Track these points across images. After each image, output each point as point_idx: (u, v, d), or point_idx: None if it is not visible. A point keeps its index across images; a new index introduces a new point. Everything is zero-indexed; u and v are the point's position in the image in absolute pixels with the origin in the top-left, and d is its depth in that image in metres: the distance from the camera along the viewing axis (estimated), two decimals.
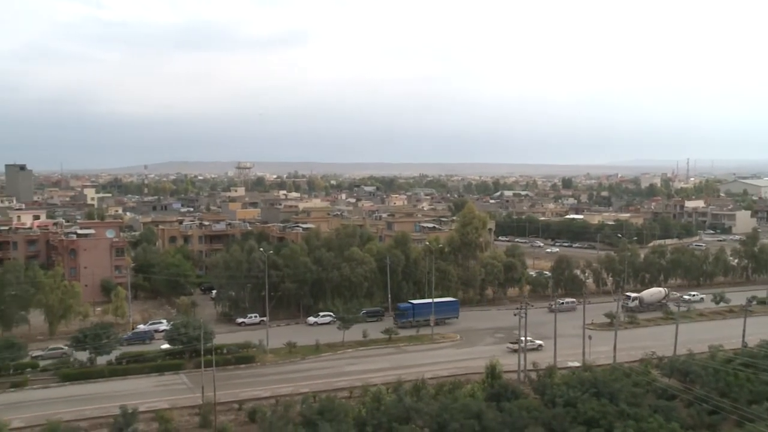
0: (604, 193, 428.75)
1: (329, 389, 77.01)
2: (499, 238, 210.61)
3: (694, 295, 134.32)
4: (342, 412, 61.02)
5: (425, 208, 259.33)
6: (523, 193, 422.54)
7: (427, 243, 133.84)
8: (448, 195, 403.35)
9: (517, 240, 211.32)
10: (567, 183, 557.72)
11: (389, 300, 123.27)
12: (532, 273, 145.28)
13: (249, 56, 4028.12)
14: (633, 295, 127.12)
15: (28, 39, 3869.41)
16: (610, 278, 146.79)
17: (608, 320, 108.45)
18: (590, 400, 63.02)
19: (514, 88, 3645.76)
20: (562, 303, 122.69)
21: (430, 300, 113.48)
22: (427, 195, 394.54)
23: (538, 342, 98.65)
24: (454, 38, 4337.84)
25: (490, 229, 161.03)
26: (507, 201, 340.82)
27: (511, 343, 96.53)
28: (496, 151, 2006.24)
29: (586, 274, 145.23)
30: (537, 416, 60.61)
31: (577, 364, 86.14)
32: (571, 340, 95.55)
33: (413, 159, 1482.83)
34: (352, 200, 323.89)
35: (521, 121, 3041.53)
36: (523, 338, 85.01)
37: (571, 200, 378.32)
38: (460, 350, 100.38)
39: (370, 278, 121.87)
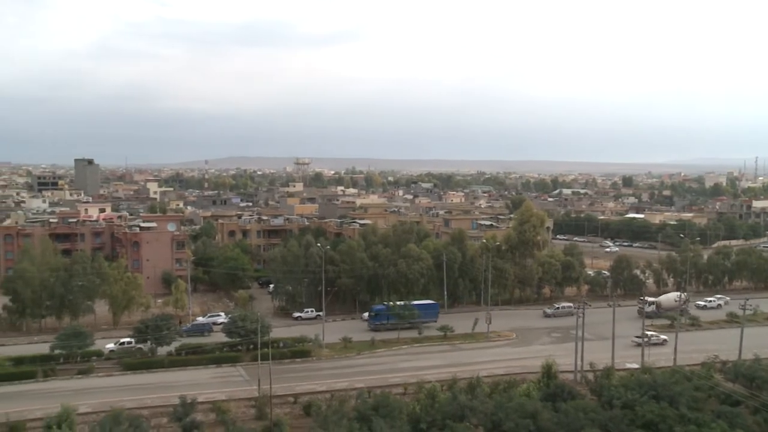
0: (666, 192, 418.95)
1: (384, 385, 77.20)
2: (557, 236, 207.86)
3: (710, 301, 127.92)
4: (396, 409, 61.01)
5: (482, 206, 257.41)
6: (582, 191, 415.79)
7: (484, 240, 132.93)
8: (506, 193, 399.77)
9: (575, 239, 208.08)
10: (627, 181, 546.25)
11: (445, 297, 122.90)
12: (591, 272, 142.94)
13: (308, 52, 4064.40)
14: (650, 299, 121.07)
15: (96, 38, 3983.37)
16: (672, 279, 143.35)
17: (668, 322, 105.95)
18: (649, 403, 61.58)
19: (575, 85, 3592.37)
20: (558, 308, 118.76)
21: (408, 302, 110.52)
22: (484, 192, 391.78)
23: (663, 337, 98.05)
24: (513, 35, 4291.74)
25: (547, 228, 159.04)
26: (565, 199, 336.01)
27: (636, 336, 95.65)
28: (555, 148, 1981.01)
29: (646, 275, 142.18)
30: (594, 418, 59.53)
31: (635, 365, 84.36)
32: (629, 341, 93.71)
33: (471, 156, 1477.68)
34: (410, 197, 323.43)
35: (581, 119, 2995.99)
36: (648, 333, 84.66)
37: (632, 199, 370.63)
38: (515, 349, 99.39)
39: (426, 275, 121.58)
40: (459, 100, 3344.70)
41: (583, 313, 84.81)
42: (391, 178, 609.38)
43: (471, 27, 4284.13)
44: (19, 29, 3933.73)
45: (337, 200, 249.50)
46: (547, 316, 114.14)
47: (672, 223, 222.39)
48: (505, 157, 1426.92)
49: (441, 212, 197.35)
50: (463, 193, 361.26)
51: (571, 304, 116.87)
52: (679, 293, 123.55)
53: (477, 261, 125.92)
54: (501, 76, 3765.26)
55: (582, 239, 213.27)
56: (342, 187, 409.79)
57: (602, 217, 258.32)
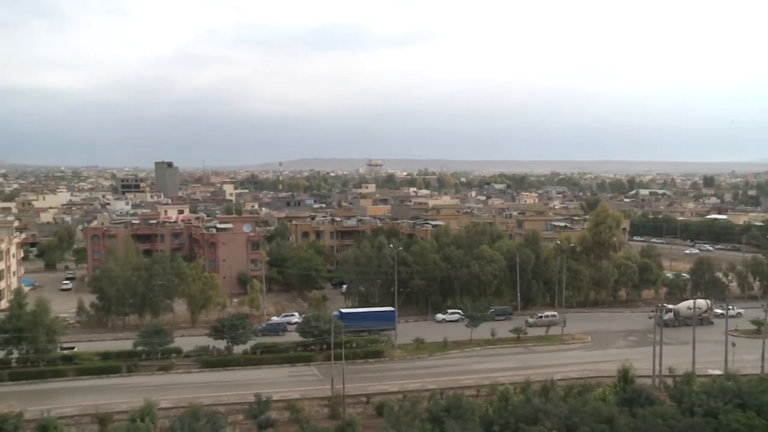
0: (752, 192, 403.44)
1: (456, 387, 76.82)
2: (634, 238, 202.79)
3: (731, 308, 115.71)
4: (469, 410, 60.67)
5: (557, 207, 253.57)
6: (660, 191, 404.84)
7: (558, 242, 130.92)
8: (581, 193, 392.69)
9: (653, 240, 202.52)
10: (709, 181, 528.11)
11: (518, 299, 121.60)
12: (669, 275, 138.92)
13: (383, 54, 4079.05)
14: (669, 306, 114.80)
15: (176, 45, 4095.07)
16: (757, 282, 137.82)
17: (755, 327, 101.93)
18: (734, 412, 59.11)
19: (654, 82, 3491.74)
20: (541, 317, 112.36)
21: (363, 309, 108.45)
22: (558, 193, 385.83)
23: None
24: (587, 34, 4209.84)
25: (624, 229, 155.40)
26: (643, 200, 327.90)
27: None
28: (632, 148, 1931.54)
29: (729, 278, 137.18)
30: (673, 425, 57.66)
31: (718, 372, 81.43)
32: (711, 346, 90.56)
33: (545, 157, 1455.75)
34: (482, 198, 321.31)
35: (660, 117, 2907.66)
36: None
37: (713, 199, 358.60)
38: (590, 352, 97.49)
39: (500, 276, 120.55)
40: (533, 99, 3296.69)
41: (661, 317, 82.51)
42: (463, 179, 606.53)
43: (546, 25, 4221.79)
44: (107, 39, 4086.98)
45: (410, 201, 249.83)
46: (529, 325, 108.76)
47: (758, 224, 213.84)
48: (579, 158, 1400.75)
49: (514, 213, 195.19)
50: (536, 194, 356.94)
51: (555, 313, 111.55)
52: (701, 301, 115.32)
53: (551, 262, 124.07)
54: (576, 74, 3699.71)
55: (660, 241, 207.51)
56: (414, 189, 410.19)
57: (681, 218, 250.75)
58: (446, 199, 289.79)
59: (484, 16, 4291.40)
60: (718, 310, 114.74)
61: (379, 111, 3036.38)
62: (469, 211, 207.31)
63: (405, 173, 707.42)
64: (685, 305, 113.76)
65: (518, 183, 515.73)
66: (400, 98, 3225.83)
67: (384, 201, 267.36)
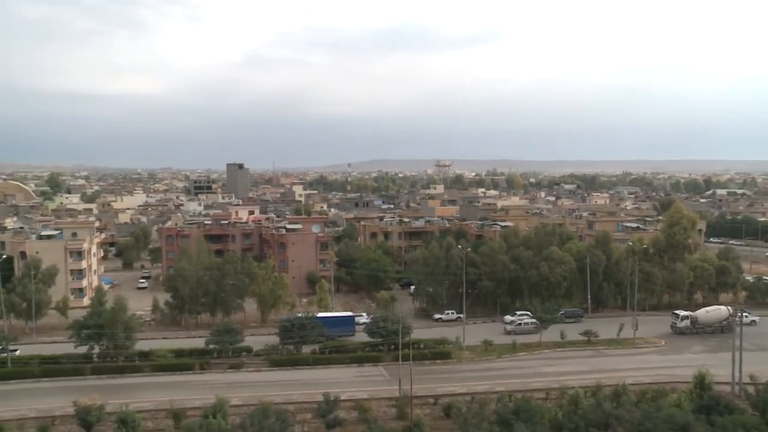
0: None
1: (525, 389, 76.07)
2: (711, 240, 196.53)
3: (746, 315, 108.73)
4: (538, 413, 59.98)
5: (628, 207, 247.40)
6: (739, 191, 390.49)
7: (630, 243, 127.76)
8: (654, 193, 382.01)
9: (731, 242, 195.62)
10: None
11: (589, 301, 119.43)
12: (749, 278, 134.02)
13: (450, 55, 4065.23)
14: (683, 313, 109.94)
15: (248, 49, 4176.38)
16: None
17: None
18: None
19: (729, 79, 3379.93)
20: (519, 324, 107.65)
21: (323, 315, 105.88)
22: (630, 193, 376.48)
23: None
24: (658, 30, 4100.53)
25: (699, 230, 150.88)
26: (720, 200, 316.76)
27: None
28: (709, 147, 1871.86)
29: None
30: None
31: None
32: None
33: (616, 156, 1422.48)
34: (552, 198, 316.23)
35: (738, 114, 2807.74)
36: None
37: None
38: (664, 357, 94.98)
39: (569, 278, 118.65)
40: (603, 98, 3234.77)
41: (741, 321, 79.76)
42: (532, 180, 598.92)
43: (617, 23, 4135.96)
44: (183, 45, 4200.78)
45: (478, 202, 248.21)
46: (507, 333, 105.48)
47: None
48: (652, 157, 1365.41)
49: (585, 214, 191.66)
50: (607, 195, 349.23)
51: (535, 321, 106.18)
52: (721, 308, 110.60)
53: (622, 264, 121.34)
54: (650, 71, 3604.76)
55: (739, 243, 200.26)
56: (483, 189, 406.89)
57: (763, 219, 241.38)
58: (515, 200, 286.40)
59: (552, 14, 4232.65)
60: (756, 318, 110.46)
61: (447, 111, 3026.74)
62: (538, 211, 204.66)
63: (473, 174, 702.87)
64: (704, 311, 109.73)
65: (588, 183, 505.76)
66: (467, 98, 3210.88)
67: (452, 202, 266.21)
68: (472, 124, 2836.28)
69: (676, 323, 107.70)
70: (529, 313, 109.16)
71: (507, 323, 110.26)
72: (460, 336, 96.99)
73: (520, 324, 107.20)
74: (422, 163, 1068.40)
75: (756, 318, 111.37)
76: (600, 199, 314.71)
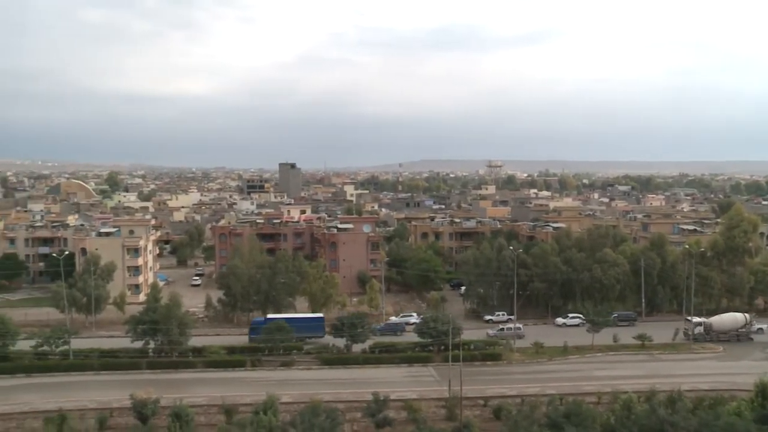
0: None
1: (576, 393, 75.11)
2: None
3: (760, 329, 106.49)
4: (589, 418, 59.11)
5: (685, 209, 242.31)
6: None
7: (687, 246, 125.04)
8: (712, 195, 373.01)
9: None
10: None
11: (643, 305, 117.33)
12: None
13: (503, 54, 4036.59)
14: (696, 319, 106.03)
15: (301, 50, 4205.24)
16: None
17: None
18: None
19: None
20: (503, 329, 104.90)
21: (290, 315, 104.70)
22: (687, 195, 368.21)
23: None
24: (714, 26, 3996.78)
25: (761, 234, 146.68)
26: None
27: None
28: None
29: None
30: None
31: None
32: None
33: (672, 157, 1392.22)
34: (605, 200, 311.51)
35: None
36: None
37: None
38: (722, 363, 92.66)
39: (623, 281, 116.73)
40: (660, 97, 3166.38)
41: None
42: (585, 181, 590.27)
43: (671, 20, 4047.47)
44: (237, 46, 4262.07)
45: (530, 203, 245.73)
46: (489, 336, 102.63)
47: None
48: (711, 158, 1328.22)
49: (639, 216, 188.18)
50: (663, 196, 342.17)
51: (519, 326, 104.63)
52: (737, 315, 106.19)
53: (678, 268, 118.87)
54: (708, 69, 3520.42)
55: None
56: (535, 190, 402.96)
57: None
58: (567, 201, 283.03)
59: (606, 12, 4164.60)
60: (763, 326, 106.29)
61: (499, 111, 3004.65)
62: (591, 213, 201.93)
63: (525, 174, 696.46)
64: (719, 319, 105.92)
65: (643, 185, 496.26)
66: (519, 98, 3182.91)
67: (504, 202, 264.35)
68: (524, 124, 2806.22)
69: (688, 330, 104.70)
70: (581, 315, 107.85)
71: (489, 323, 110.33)
72: (510, 337, 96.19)
73: (503, 329, 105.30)
74: (474, 164, 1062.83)
75: (763, 326, 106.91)
76: (655, 200, 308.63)
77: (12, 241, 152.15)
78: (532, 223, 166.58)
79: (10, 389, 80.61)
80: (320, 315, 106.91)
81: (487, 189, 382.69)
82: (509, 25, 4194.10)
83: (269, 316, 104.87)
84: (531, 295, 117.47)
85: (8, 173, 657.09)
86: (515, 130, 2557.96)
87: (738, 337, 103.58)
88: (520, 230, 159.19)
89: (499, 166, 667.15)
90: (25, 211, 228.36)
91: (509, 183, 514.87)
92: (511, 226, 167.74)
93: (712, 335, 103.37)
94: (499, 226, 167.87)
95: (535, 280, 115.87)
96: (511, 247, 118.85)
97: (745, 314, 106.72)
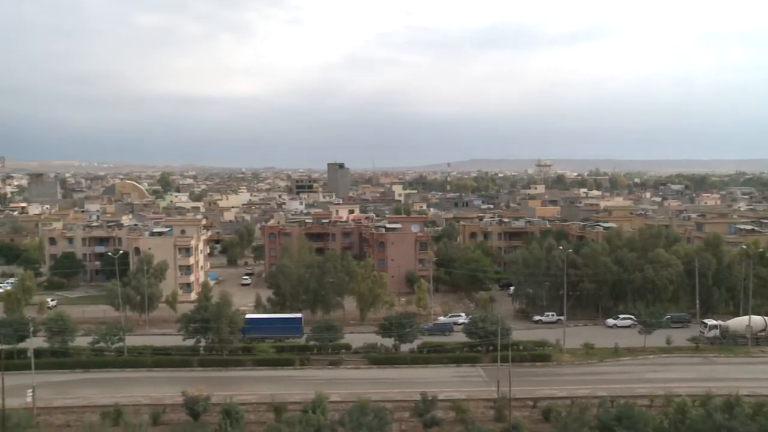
0: None
1: (628, 395, 73.74)
2: None
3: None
4: (641, 421, 58.11)
5: (742, 209, 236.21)
6: None
7: (744, 246, 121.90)
8: None
9: None
10: None
11: (697, 306, 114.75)
12: None
13: (553, 52, 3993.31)
14: (711, 322, 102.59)
15: (348, 50, 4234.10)
16: None
17: None
18: None
19: None
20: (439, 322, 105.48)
21: (270, 315, 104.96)
22: (744, 194, 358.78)
23: None
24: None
25: None
26: None
27: None
28: None
29: None
30: None
31: None
32: None
33: (728, 155, 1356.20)
34: (658, 199, 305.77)
35: None
36: None
37: None
38: None
39: (676, 282, 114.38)
40: (713, 92, 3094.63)
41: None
42: (637, 180, 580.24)
43: (725, 14, 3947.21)
44: (285, 47, 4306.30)
45: (580, 203, 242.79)
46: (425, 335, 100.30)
47: None
48: None
49: (693, 215, 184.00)
50: (719, 195, 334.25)
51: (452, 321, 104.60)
52: (757, 318, 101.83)
53: (735, 269, 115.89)
54: (763, 66, 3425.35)
55: None
56: (585, 189, 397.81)
57: None
58: (618, 201, 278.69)
59: (656, 7, 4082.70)
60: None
61: (548, 110, 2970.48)
62: (643, 212, 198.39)
63: (575, 174, 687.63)
64: (736, 322, 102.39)
65: (698, 183, 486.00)
66: (569, 97, 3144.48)
67: (553, 202, 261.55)
68: (573, 123, 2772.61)
69: (704, 332, 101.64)
70: (632, 316, 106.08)
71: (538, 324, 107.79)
72: (560, 338, 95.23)
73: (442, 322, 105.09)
74: (522, 163, 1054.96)
75: None
76: (710, 200, 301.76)
77: (70, 240, 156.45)
78: (582, 223, 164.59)
79: (70, 384, 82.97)
80: (299, 315, 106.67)
81: (536, 188, 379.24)
82: (559, 23, 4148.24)
83: (248, 316, 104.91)
84: (581, 295, 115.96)
85: (67, 175, 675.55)
86: (565, 129, 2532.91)
87: (757, 341, 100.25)
88: (570, 230, 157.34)
89: (549, 166, 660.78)
90: (83, 211, 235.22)
91: (559, 182, 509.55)
92: (561, 225, 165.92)
93: (728, 338, 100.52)
94: (548, 225, 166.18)
95: (585, 280, 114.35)
96: (561, 247, 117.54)
97: (765, 317, 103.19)
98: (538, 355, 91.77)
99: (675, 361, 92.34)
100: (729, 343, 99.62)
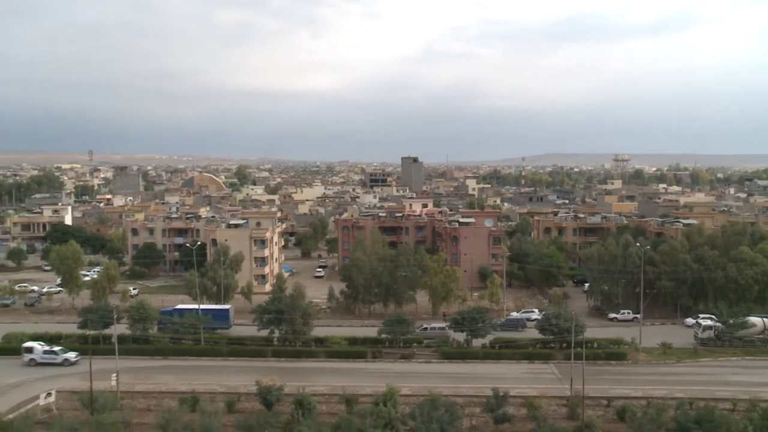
0: None
1: (708, 398, 71.30)
2: None
3: None
4: (723, 425, 56.13)
5: None
6: None
7: None
8: None
9: None
10: None
11: None
12: None
13: (629, 44, 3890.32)
14: (706, 322, 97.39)
15: (421, 44, 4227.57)
16: None
17: None
18: None
19: None
20: (425, 328, 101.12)
21: (195, 306, 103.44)
22: None
23: None
24: None
25: None
26: None
27: None
28: None
29: None
30: None
31: None
32: None
33: None
34: (742, 195, 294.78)
35: None
36: None
37: None
38: None
39: (762, 281, 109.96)
40: None
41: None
42: (720, 175, 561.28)
43: None
44: (361, 41, 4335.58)
45: (659, 198, 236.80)
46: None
47: None
48: None
49: None
50: None
51: (443, 325, 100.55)
52: (756, 319, 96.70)
53: None
54: None
55: None
56: (664, 185, 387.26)
57: None
58: (700, 197, 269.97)
59: None
60: None
61: (626, 104, 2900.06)
62: (726, 209, 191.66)
63: (654, 169, 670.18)
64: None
65: None
66: (649, 89, 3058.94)
67: (630, 198, 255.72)
68: (652, 117, 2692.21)
69: (697, 333, 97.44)
70: (713, 316, 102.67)
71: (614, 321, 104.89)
72: (636, 337, 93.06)
73: (425, 328, 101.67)
74: (599, 158, 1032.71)
75: None
76: None
77: (151, 231, 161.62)
78: (660, 219, 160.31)
79: (150, 370, 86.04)
80: (227, 307, 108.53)
81: (612, 183, 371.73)
82: (639, 13, 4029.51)
83: (178, 306, 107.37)
84: (658, 293, 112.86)
85: (149, 167, 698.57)
86: (644, 123, 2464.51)
87: (754, 343, 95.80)
88: (648, 226, 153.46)
89: (626, 160, 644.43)
90: (163, 203, 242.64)
91: (636, 177, 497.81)
92: (638, 222, 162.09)
93: (724, 340, 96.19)
94: (625, 221, 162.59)
95: (663, 278, 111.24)
96: (638, 244, 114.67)
97: (763, 318, 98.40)
98: (613, 353, 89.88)
99: (761, 364, 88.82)
100: (725, 344, 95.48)
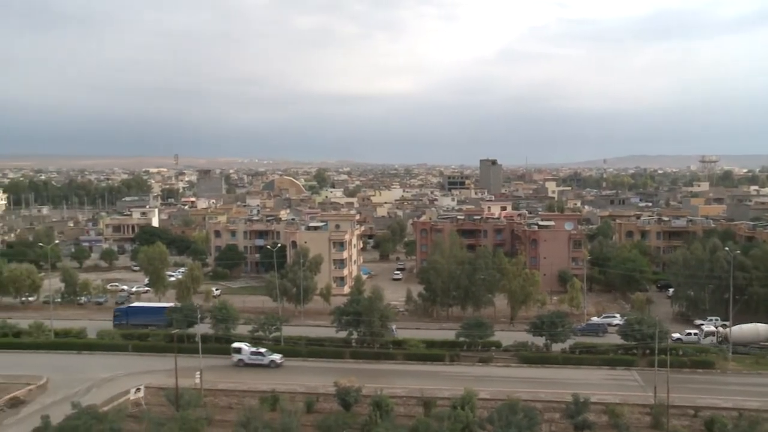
0: None
1: None
2: None
3: None
4: None
5: None
6: None
7: None
8: None
9: None
10: None
11: None
12: None
13: (719, 40, 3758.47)
14: (707, 328, 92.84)
15: (500, 46, 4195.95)
16: None
17: None
18: None
19: None
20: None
21: (147, 304, 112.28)
22: None
23: None
24: None
25: None
26: None
27: None
28: None
29: None
30: None
31: None
32: None
33: None
34: None
35: None
36: None
37: None
38: None
39: None
40: None
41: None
42: None
43: None
44: (439, 43, 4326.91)
45: (750, 201, 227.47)
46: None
47: None
48: None
49: None
50: None
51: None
52: (763, 326, 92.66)
53: None
54: None
55: None
56: (756, 187, 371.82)
57: None
58: None
59: None
60: None
61: (715, 103, 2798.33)
62: None
63: (744, 170, 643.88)
64: (738, 329, 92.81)
65: None
66: (739, 88, 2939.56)
67: (718, 200, 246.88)
68: (742, 116, 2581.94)
69: (699, 339, 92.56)
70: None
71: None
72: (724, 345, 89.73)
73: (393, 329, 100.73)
74: (684, 159, 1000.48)
75: None
76: None
77: (233, 233, 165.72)
78: (751, 223, 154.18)
79: (232, 368, 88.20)
80: (164, 305, 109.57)
81: (699, 186, 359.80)
82: (729, 7, 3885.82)
83: (132, 305, 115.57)
84: (749, 300, 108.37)
85: (231, 171, 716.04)
86: (733, 123, 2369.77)
87: (760, 350, 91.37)
88: (738, 230, 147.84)
89: (714, 162, 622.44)
90: (244, 205, 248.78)
91: (725, 179, 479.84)
92: (727, 225, 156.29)
93: (725, 346, 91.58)
94: (712, 225, 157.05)
95: (755, 284, 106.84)
96: (727, 248, 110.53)
97: None
98: (699, 361, 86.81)
99: None
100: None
